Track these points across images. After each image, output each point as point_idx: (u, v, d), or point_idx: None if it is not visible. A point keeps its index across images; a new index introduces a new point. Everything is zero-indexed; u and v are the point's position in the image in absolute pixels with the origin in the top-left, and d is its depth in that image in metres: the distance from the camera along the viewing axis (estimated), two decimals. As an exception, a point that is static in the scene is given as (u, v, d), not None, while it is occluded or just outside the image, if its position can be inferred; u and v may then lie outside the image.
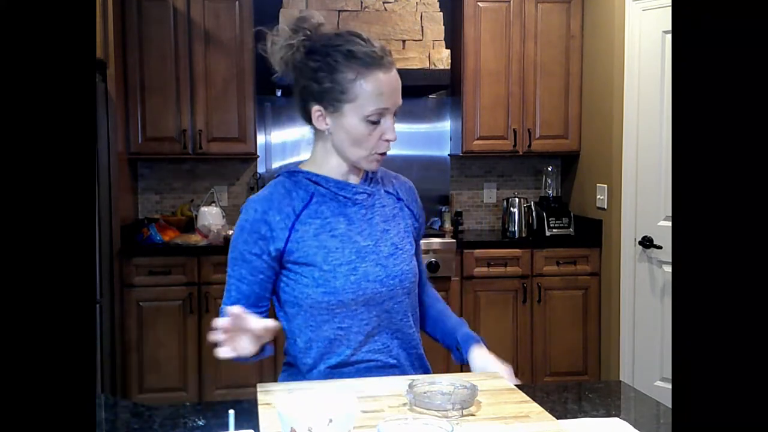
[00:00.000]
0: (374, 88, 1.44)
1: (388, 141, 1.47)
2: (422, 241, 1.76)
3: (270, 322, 1.37)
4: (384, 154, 1.50)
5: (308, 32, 1.50)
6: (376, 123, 1.45)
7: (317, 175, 1.54)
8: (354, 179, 1.56)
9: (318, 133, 1.54)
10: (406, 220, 1.63)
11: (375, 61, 1.44)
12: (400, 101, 1.48)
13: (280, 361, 1.68)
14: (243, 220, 1.52)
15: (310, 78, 1.49)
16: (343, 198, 1.54)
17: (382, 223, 1.57)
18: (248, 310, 1.39)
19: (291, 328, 1.57)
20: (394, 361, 1.57)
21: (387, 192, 1.62)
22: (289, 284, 1.52)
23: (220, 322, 1.32)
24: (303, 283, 1.50)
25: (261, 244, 1.50)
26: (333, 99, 1.46)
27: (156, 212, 4.42)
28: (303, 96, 1.53)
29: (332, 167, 1.54)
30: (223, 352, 1.35)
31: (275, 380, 1.63)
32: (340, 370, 1.54)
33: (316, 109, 1.50)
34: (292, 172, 1.57)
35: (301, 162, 1.61)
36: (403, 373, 1.58)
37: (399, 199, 1.64)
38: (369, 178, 1.59)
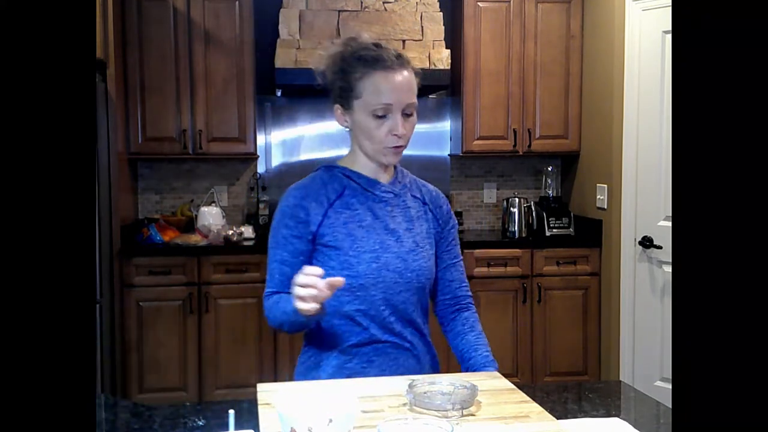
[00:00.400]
0: (376, 85, 1.59)
1: (396, 135, 1.61)
2: None
3: (336, 279, 1.46)
4: (398, 147, 1.63)
5: (349, 46, 1.66)
6: (382, 117, 1.60)
7: (351, 171, 1.71)
8: (384, 178, 1.72)
9: (350, 132, 1.70)
10: (429, 223, 1.76)
11: (379, 62, 1.60)
12: (408, 99, 1.61)
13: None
14: (284, 206, 1.69)
15: (332, 81, 1.67)
16: (371, 194, 1.69)
17: (405, 222, 1.71)
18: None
19: None
20: (408, 344, 1.69)
21: (414, 196, 1.76)
22: (318, 265, 1.61)
23: (304, 279, 1.43)
24: (330, 264, 1.63)
25: (300, 228, 1.65)
26: (346, 97, 1.64)
27: (156, 212, 4.42)
28: (331, 98, 1.70)
29: (363, 164, 1.70)
30: (308, 306, 1.43)
31: (275, 380, 1.65)
32: (359, 349, 1.65)
33: (336, 108, 1.69)
34: (329, 167, 1.73)
35: (339, 158, 1.77)
36: (417, 356, 1.70)
37: (424, 203, 1.77)
38: (397, 181, 1.74)
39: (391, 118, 1.60)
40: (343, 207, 1.67)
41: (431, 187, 1.84)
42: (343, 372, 1.65)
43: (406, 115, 1.62)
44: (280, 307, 1.60)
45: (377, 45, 1.63)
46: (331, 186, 1.69)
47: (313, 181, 1.71)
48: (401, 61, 1.62)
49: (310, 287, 1.41)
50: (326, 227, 1.65)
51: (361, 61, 1.61)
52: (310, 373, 1.69)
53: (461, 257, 1.82)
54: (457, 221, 1.86)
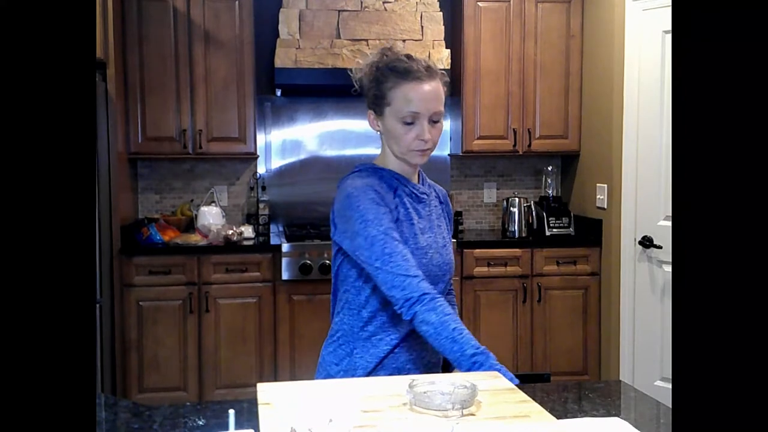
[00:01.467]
0: (405, 95, 1.70)
1: (423, 140, 1.71)
2: None
3: None
4: (425, 150, 1.73)
5: (384, 56, 1.76)
6: (410, 124, 1.71)
7: (393, 172, 1.78)
8: (414, 179, 1.82)
9: (382, 136, 1.79)
10: (447, 219, 1.91)
11: (410, 74, 1.71)
12: (434, 108, 1.71)
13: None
14: (365, 200, 1.68)
15: (367, 89, 1.77)
16: (415, 195, 1.80)
17: (436, 219, 1.84)
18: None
19: (359, 300, 1.74)
20: None
21: (435, 196, 1.89)
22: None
23: None
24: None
25: (391, 214, 1.70)
26: (379, 104, 1.74)
27: (156, 212, 4.42)
28: (367, 104, 1.79)
29: (394, 166, 1.79)
30: None
31: (275, 380, 1.64)
32: (397, 336, 1.73)
33: (369, 113, 1.79)
34: (373, 169, 1.79)
35: (373, 157, 1.85)
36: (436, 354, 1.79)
37: (441, 202, 1.91)
38: (423, 181, 1.86)
39: (419, 125, 1.71)
40: (400, 205, 1.76)
41: (440, 187, 1.96)
42: (376, 356, 1.72)
43: (433, 122, 1.72)
44: (458, 340, 1.59)
45: (409, 57, 1.74)
46: (387, 185, 1.76)
47: (371, 179, 1.75)
48: (430, 72, 1.72)
49: None
50: (398, 220, 1.73)
51: (393, 71, 1.71)
52: (343, 361, 1.74)
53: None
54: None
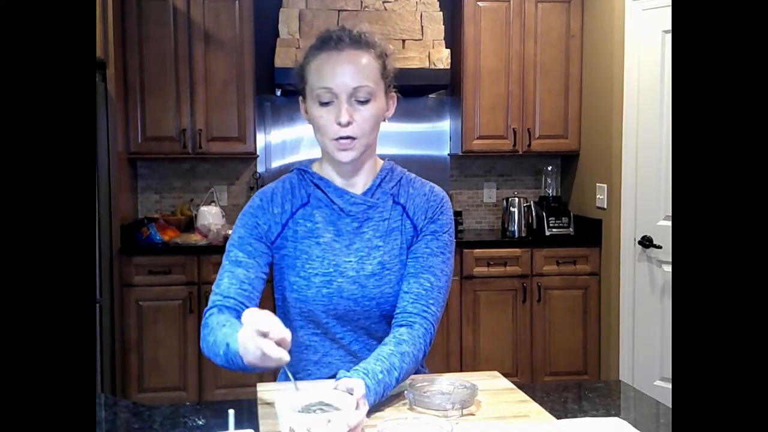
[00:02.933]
0: (318, 67, 1.43)
1: (340, 125, 1.41)
2: None
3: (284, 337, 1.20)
4: (349, 141, 1.42)
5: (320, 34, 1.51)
6: (327, 104, 1.42)
7: (321, 178, 1.52)
8: (358, 186, 1.52)
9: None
10: (405, 236, 1.51)
11: (324, 43, 1.44)
12: (355, 82, 1.41)
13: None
14: (247, 207, 1.55)
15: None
16: (338, 208, 1.50)
17: (375, 239, 1.49)
18: (238, 297, 1.43)
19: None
20: None
21: (396, 203, 1.53)
22: (275, 280, 1.55)
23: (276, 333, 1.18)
24: (282, 284, 1.52)
25: (260, 228, 1.50)
26: (300, 84, 1.49)
27: (156, 212, 4.42)
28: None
29: (328, 170, 1.53)
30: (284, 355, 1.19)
31: (275, 380, 1.63)
32: (328, 373, 1.52)
33: (300, 100, 1.52)
34: (303, 171, 1.56)
35: (313, 161, 1.59)
36: None
37: (404, 210, 1.53)
38: (378, 187, 1.52)
39: (336, 105, 1.41)
40: (304, 218, 1.50)
41: (428, 188, 1.57)
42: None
43: (358, 102, 1.41)
44: (224, 336, 1.33)
45: (342, 28, 1.46)
46: (298, 192, 1.52)
47: (283, 184, 1.54)
48: (355, 41, 1.43)
49: (267, 345, 1.16)
50: (284, 239, 1.50)
51: (313, 45, 1.46)
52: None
53: (436, 271, 1.49)
54: (450, 228, 1.54)
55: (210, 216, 4.16)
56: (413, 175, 1.59)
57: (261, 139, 4.42)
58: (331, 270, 1.47)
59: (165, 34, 4.04)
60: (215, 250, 3.91)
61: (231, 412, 1.17)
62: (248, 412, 1.38)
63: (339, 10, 4.16)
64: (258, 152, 4.30)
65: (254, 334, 1.17)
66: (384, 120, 1.49)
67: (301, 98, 1.51)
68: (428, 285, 1.47)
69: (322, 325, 1.51)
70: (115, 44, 3.79)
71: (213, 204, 4.28)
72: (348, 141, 1.42)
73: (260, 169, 4.47)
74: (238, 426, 1.19)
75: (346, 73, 1.41)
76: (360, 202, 1.50)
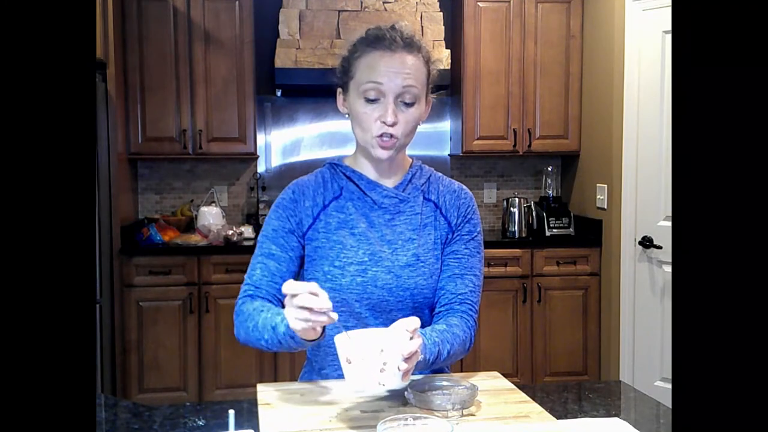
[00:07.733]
0: (369, 64, 1.46)
1: (385, 124, 1.44)
2: None
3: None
4: (388, 139, 1.46)
5: (368, 30, 1.54)
6: (373, 102, 1.45)
7: (353, 171, 1.56)
8: (390, 180, 1.56)
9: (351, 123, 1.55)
10: (438, 231, 1.56)
11: (378, 41, 1.47)
12: (405, 82, 1.44)
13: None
14: (280, 199, 1.57)
15: (339, 64, 1.55)
16: (370, 200, 1.54)
17: (408, 232, 1.53)
18: (270, 290, 1.48)
19: None
20: None
21: (427, 199, 1.57)
22: (308, 270, 1.54)
23: (305, 299, 1.23)
24: (314, 275, 1.52)
25: (293, 221, 1.53)
26: (343, 77, 1.52)
27: (156, 212, 4.42)
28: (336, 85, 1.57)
29: (366, 163, 1.56)
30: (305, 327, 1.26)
31: (275, 380, 1.64)
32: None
33: (338, 91, 1.55)
34: (334, 165, 1.59)
35: (344, 157, 1.62)
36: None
37: (437, 207, 1.58)
38: (409, 182, 1.56)
39: (383, 104, 1.44)
40: (337, 210, 1.53)
41: (456, 185, 1.63)
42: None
43: (405, 104, 1.46)
44: (266, 321, 1.38)
45: (392, 27, 1.49)
46: (330, 185, 1.56)
47: (315, 178, 1.58)
48: (408, 44, 1.47)
49: (308, 310, 1.23)
50: (316, 231, 1.52)
51: (364, 41, 1.48)
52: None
53: (476, 271, 1.58)
54: (480, 227, 1.63)
55: (210, 216, 4.16)
56: (440, 174, 1.65)
57: (261, 140, 4.42)
58: (366, 259, 1.49)
59: (165, 34, 4.04)
60: (215, 250, 3.91)
61: (231, 412, 1.17)
62: (248, 412, 1.38)
63: (339, 11, 4.16)
64: (258, 152, 4.30)
65: (297, 309, 1.24)
66: (419, 123, 1.52)
67: (339, 90, 1.55)
68: (472, 286, 1.57)
69: (354, 316, 1.50)
70: (115, 44, 3.79)
71: (213, 204, 4.28)
72: (390, 140, 1.46)
73: (260, 169, 4.47)
74: (238, 426, 1.19)
75: (397, 74, 1.44)
76: (392, 195, 1.54)
